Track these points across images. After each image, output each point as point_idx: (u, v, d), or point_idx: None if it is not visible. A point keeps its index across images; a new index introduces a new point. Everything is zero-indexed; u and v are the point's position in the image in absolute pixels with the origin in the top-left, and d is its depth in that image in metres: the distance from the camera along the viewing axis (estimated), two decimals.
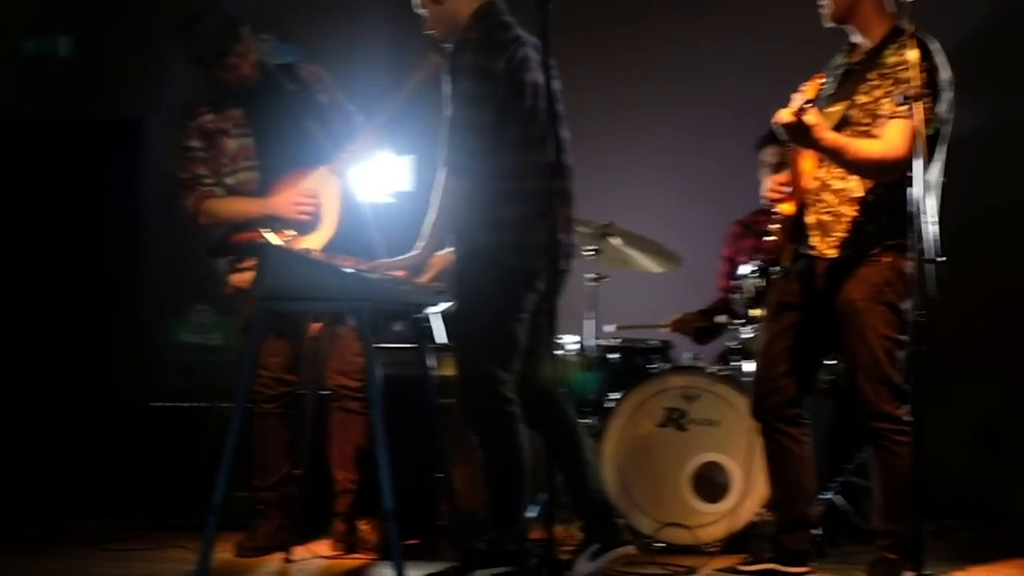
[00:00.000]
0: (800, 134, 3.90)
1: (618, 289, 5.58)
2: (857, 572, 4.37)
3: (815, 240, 4.19)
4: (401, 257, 4.25)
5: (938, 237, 3.70)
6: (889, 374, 4.08)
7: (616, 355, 5.47)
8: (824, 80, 3.99)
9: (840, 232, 4.14)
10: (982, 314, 5.88)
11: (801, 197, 4.22)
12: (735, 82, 6.21)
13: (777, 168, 5.72)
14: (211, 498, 3.96)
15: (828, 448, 4.94)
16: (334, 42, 6.32)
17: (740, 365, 5.23)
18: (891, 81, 4.05)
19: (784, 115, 3.88)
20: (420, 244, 4.21)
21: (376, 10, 6.57)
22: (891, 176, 4.04)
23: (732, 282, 5.39)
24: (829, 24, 4.28)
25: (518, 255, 4.15)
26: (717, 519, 4.90)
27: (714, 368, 5.20)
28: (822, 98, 4.22)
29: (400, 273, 4.20)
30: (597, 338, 5.43)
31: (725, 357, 5.48)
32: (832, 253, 4.15)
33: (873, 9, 4.21)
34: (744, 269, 5.16)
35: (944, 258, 3.64)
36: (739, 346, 5.25)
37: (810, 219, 4.21)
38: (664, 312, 5.83)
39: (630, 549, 4.31)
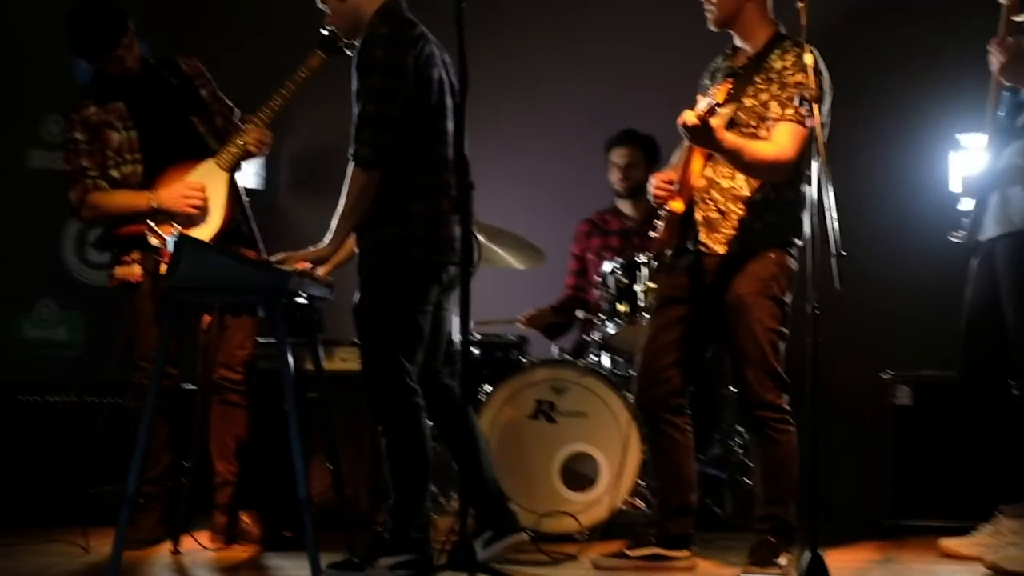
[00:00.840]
0: (703, 135, 4.09)
1: (483, 285, 5.69)
2: (729, 556, 4.62)
3: (703, 236, 4.39)
4: (308, 249, 4.28)
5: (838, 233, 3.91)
6: (773, 365, 4.32)
7: (476, 350, 5.58)
8: (732, 85, 4.19)
9: (728, 229, 4.35)
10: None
11: (689, 195, 4.42)
12: (590, 83, 6.41)
13: (626, 169, 5.96)
14: (124, 489, 3.93)
15: None
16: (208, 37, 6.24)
17: (602, 359, 5.43)
18: (778, 85, 4.28)
19: (690, 117, 4.07)
20: (327, 237, 4.25)
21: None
22: (780, 176, 4.29)
23: (595, 278, 5.56)
24: (714, 28, 4.49)
25: (426, 248, 4.24)
26: (586, 508, 5.06)
27: (583, 361, 5.38)
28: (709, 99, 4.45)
29: (304, 265, 4.23)
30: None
31: (582, 351, 5.66)
32: (720, 249, 4.36)
33: (756, 15, 4.44)
34: (607, 267, 5.33)
35: (846, 253, 3.86)
36: (602, 341, 5.43)
37: (698, 216, 4.40)
38: (525, 308, 5.98)
39: (523, 536, 4.45)
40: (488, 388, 5.23)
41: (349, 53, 4.38)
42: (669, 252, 4.50)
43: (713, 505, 5.39)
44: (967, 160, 5.55)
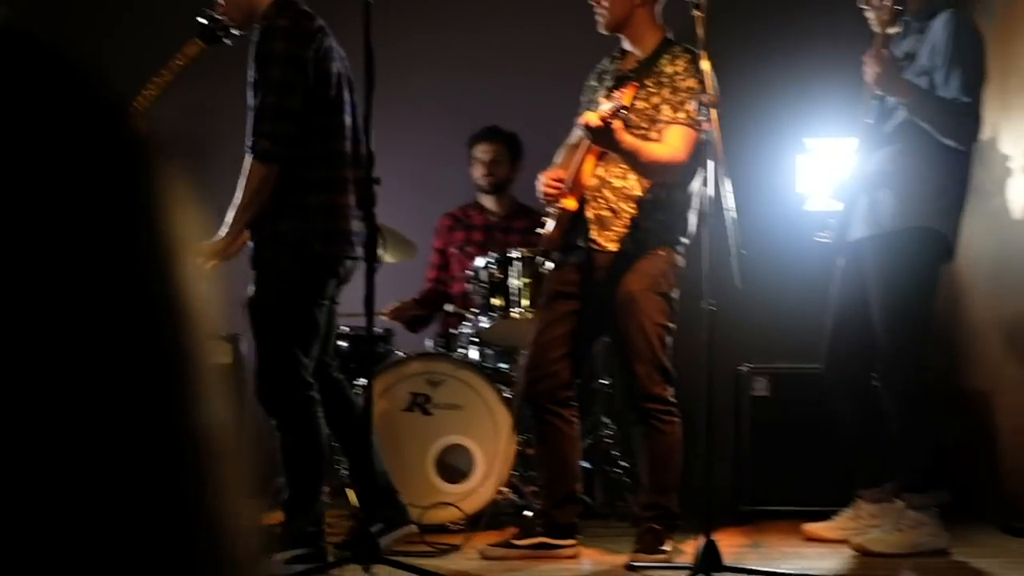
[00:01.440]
0: (604, 136, 4.20)
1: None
2: (606, 544, 4.75)
3: (595, 234, 4.50)
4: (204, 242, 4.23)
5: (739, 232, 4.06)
6: (661, 359, 4.46)
7: (344, 343, 5.58)
8: (638, 90, 4.30)
9: (619, 228, 4.48)
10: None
11: (581, 193, 4.52)
12: (453, 77, 6.45)
13: (490, 165, 6.03)
14: None
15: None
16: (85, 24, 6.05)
17: (470, 352, 5.50)
18: (669, 89, 4.42)
19: (593, 118, 4.17)
20: (222, 230, 4.21)
21: None
22: (672, 177, 4.43)
23: (466, 272, 5.61)
24: (604, 32, 4.60)
25: (324, 242, 4.24)
26: (461, 499, 5.12)
27: (459, 355, 5.43)
28: (594, 101, 4.57)
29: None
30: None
31: (448, 344, 5.71)
32: (612, 247, 4.48)
33: (646, 20, 4.57)
34: (480, 261, 5.39)
35: (745, 251, 4.02)
36: (474, 334, 5.49)
37: (590, 214, 4.52)
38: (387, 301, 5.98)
39: (413, 528, 4.49)
40: (363, 381, 5.23)
41: (228, 43, 4.34)
42: (556, 248, 4.60)
43: (583, 494, 5.50)
44: (816, 163, 5.80)
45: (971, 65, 4.59)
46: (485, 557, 4.53)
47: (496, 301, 5.32)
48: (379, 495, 4.41)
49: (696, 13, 4.21)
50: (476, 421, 5.17)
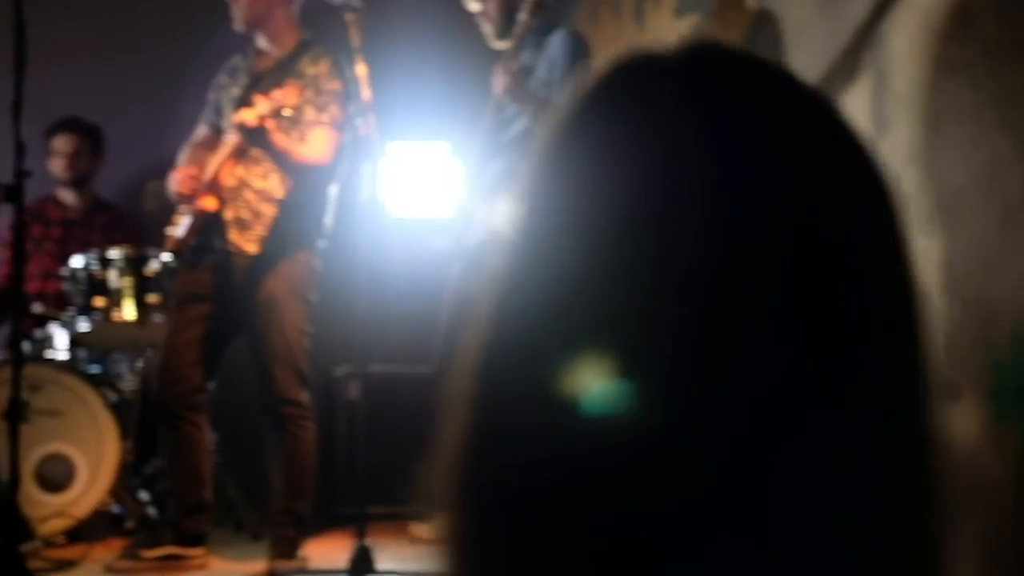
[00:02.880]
0: (258, 135, 4.13)
1: None
2: (225, 551, 4.67)
3: (234, 236, 4.41)
4: None
5: None
6: (300, 363, 4.45)
7: None
8: (301, 91, 4.24)
9: (260, 230, 4.41)
10: None
11: (219, 193, 4.41)
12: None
13: (71, 157, 5.74)
14: None
15: (136, 450, 5.12)
16: None
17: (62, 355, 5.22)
18: (313, 91, 4.40)
19: (250, 116, 4.09)
20: None
21: None
22: (315, 180, 4.42)
23: (61, 271, 5.29)
24: (240, 29, 4.52)
25: None
26: (63, 509, 4.86)
27: (60, 359, 5.13)
28: (234, 99, 4.48)
29: None
30: None
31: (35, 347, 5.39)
32: (252, 249, 4.41)
33: (285, 20, 4.53)
34: (78, 260, 5.13)
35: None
36: (72, 337, 5.21)
37: (228, 215, 4.42)
38: None
39: (37, 544, 4.23)
40: None
41: None
42: (183, 249, 4.48)
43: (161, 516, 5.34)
44: (399, 168, 5.94)
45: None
46: (111, 571, 4.33)
47: (98, 302, 5.09)
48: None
49: (349, 16, 4.22)
50: (78, 427, 4.92)
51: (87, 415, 4.91)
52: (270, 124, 4.13)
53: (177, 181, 4.44)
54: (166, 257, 4.80)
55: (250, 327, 4.44)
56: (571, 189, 0.65)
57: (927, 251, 3.95)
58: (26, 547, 4.14)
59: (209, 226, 4.42)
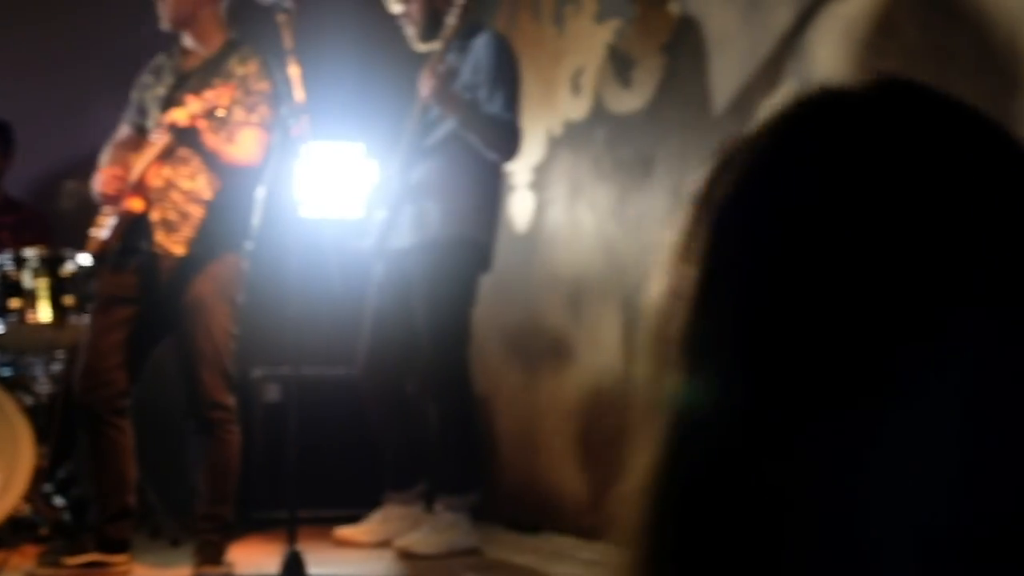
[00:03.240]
0: (189, 135, 4.09)
1: None
2: (146, 557, 4.61)
3: (160, 238, 4.35)
4: None
5: None
6: (227, 366, 4.40)
7: None
8: (235, 91, 4.20)
9: (188, 231, 4.36)
10: None
11: (145, 194, 4.35)
12: None
13: None
14: None
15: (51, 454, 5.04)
16: None
17: None
18: (242, 91, 4.35)
19: (182, 116, 4.05)
20: None
21: None
22: (244, 180, 4.39)
23: None
24: (167, 28, 4.47)
25: None
26: None
27: None
28: (160, 99, 4.44)
29: None
30: None
31: None
32: (179, 251, 4.35)
33: (212, 19, 4.49)
34: None
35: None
36: None
37: (155, 217, 4.36)
38: None
39: None
40: None
41: None
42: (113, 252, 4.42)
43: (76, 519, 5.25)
44: (312, 168, 5.89)
45: (512, 84, 4.89)
46: None
47: (14, 304, 4.99)
48: None
49: (281, 17, 4.19)
50: None
51: (1, 419, 4.81)
52: (202, 124, 4.09)
53: (102, 182, 4.38)
54: (85, 259, 4.71)
55: (177, 330, 4.39)
56: (766, 236, 0.66)
57: None
58: None
59: (135, 227, 4.36)
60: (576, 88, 5.45)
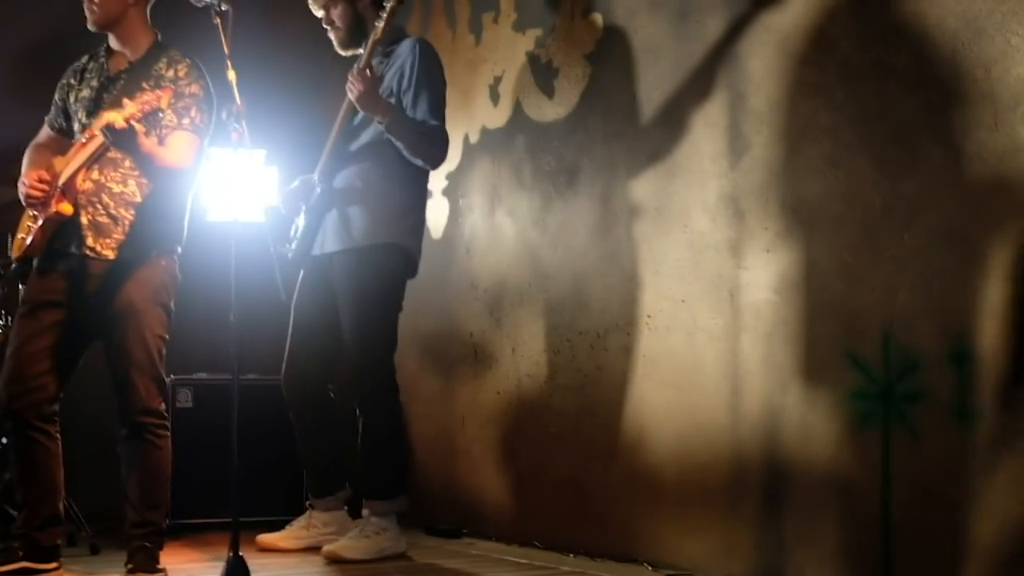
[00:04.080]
0: (126, 138, 4.03)
1: None
2: (76, 565, 4.53)
3: (91, 241, 4.27)
4: None
5: None
6: (159, 372, 4.34)
7: None
8: (172, 93, 4.14)
9: (119, 235, 4.28)
10: None
11: (74, 197, 4.27)
12: None
13: None
14: None
15: None
16: None
17: None
18: (171, 93, 4.28)
19: (118, 118, 3.98)
20: None
21: None
22: (176, 184, 4.34)
23: None
24: (93, 29, 4.41)
25: None
26: None
27: None
28: (85, 100, 4.37)
29: None
30: None
31: None
32: (110, 254, 4.27)
33: (139, 21, 4.43)
34: None
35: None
36: None
37: (84, 220, 4.27)
38: None
39: None
40: None
41: None
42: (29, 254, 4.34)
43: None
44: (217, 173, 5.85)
45: (436, 90, 4.91)
46: None
47: None
48: None
49: (218, 20, 4.16)
50: None
51: None
52: (138, 127, 4.03)
53: (27, 185, 4.28)
54: None
55: (107, 335, 4.30)
56: None
57: (787, 263, 4.16)
58: None
59: (62, 231, 4.27)
60: (495, 96, 5.49)
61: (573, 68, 5.10)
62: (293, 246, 5.07)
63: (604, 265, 4.91)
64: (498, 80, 5.49)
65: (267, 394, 5.53)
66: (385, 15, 4.72)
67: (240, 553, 3.97)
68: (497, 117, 5.46)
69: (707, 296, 4.50)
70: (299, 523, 5.12)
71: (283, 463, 5.56)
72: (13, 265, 4.46)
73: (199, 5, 4.24)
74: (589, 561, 4.76)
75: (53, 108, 4.55)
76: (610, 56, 4.95)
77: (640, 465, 4.72)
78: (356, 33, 5.04)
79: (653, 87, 4.76)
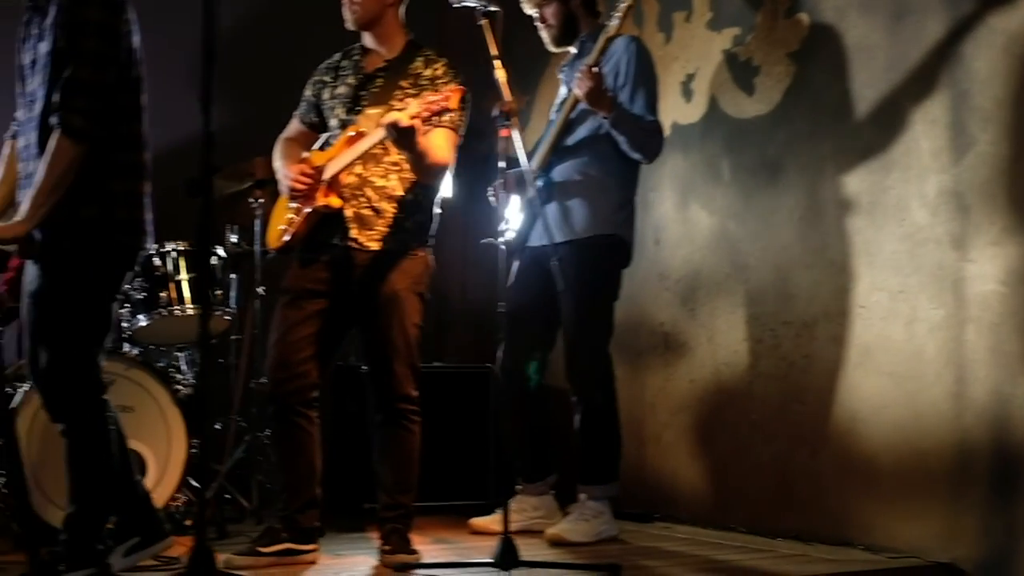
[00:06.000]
0: (408, 137, 4.18)
1: None
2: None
3: (355, 232, 4.43)
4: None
5: None
6: (416, 359, 4.50)
7: None
8: (463, 94, 4.29)
9: (382, 227, 4.44)
10: None
11: (338, 190, 4.42)
12: None
13: None
14: None
15: None
16: None
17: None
18: (431, 92, 4.42)
19: (404, 117, 4.13)
20: (21, 211, 3.70)
21: None
22: (440, 179, 4.49)
23: None
24: (352, 28, 4.56)
25: (127, 231, 3.86)
26: None
27: (132, 353, 5.03)
28: (342, 97, 4.52)
29: None
30: None
31: None
32: (374, 246, 4.43)
33: (395, 21, 4.58)
34: None
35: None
36: (129, 333, 5.12)
37: (348, 212, 4.43)
38: None
39: (171, 542, 4.18)
40: (24, 386, 4.72)
41: None
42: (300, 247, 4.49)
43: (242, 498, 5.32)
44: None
45: (652, 87, 5.07)
46: (229, 567, 4.29)
47: (163, 295, 5.03)
48: (137, 505, 4.07)
49: (484, 21, 4.32)
50: (148, 424, 4.85)
51: (157, 411, 4.84)
52: (419, 126, 4.17)
53: (291, 178, 4.43)
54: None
55: (367, 323, 4.46)
56: None
57: (1016, 257, 4.31)
58: (159, 547, 4.09)
59: (325, 222, 4.42)
60: (687, 92, 5.64)
61: (775, 66, 5.25)
62: (506, 237, 5.22)
63: (811, 257, 5.06)
64: (691, 77, 5.64)
65: (463, 381, 5.72)
66: (620, 14, 4.86)
67: (511, 537, 4.10)
68: (690, 113, 5.61)
69: (927, 287, 4.65)
70: (510, 507, 5.26)
71: (471, 449, 5.71)
72: (269, 255, 4.61)
73: (456, 6, 4.40)
74: (801, 544, 4.89)
75: (304, 104, 4.70)
76: (817, 54, 5.10)
77: (853, 451, 4.87)
78: (568, 31, 5.20)
79: (866, 85, 4.91)
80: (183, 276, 5.02)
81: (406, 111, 4.14)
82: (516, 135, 4.25)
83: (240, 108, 5.57)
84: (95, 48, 3.71)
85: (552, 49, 5.28)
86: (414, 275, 4.47)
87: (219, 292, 5.12)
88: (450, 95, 4.14)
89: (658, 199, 5.77)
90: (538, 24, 5.22)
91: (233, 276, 5.37)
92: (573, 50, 5.26)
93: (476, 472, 5.80)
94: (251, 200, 5.45)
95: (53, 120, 3.68)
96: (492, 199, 5.34)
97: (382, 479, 4.54)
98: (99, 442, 3.84)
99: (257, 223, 5.40)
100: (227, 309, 5.22)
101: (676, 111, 5.70)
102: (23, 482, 3.98)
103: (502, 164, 4.30)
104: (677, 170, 5.65)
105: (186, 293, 5.04)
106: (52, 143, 3.67)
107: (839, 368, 4.94)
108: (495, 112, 4.28)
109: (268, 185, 5.22)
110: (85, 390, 3.81)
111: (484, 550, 4.74)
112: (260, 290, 5.44)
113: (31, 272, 3.83)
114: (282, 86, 4.96)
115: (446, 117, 4.40)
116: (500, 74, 4.24)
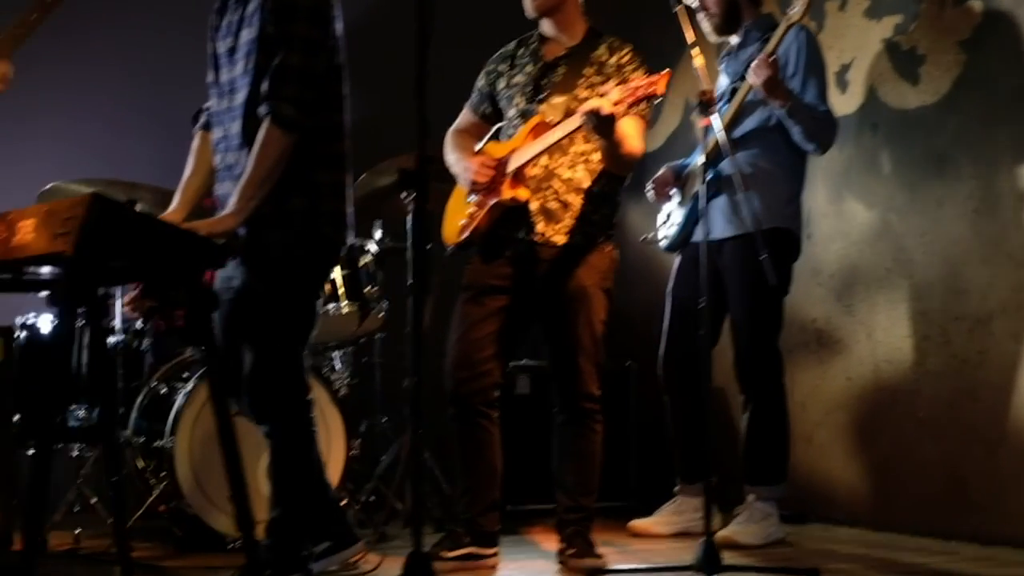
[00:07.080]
0: (608, 125, 4.02)
1: None
2: None
3: (541, 227, 4.28)
4: (211, 219, 3.55)
5: None
6: (602, 357, 4.36)
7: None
8: (669, 77, 4.13)
9: (569, 220, 4.29)
10: None
11: (523, 182, 4.27)
12: None
13: None
14: None
15: None
16: None
17: None
18: (617, 80, 4.27)
19: (606, 105, 3.97)
20: (230, 205, 3.56)
21: None
22: (630, 170, 4.34)
23: None
24: (532, 15, 4.42)
25: (333, 224, 3.72)
26: None
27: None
28: (521, 85, 4.38)
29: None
30: None
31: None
32: (560, 240, 4.29)
33: (576, 9, 4.43)
34: None
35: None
36: None
37: (534, 206, 4.29)
38: None
39: (361, 548, 4.04)
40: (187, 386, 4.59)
41: None
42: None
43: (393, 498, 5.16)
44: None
45: (822, 76, 4.92)
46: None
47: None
48: (327, 510, 3.93)
49: (680, 8, 4.18)
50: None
51: (316, 411, 4.68)
52: (619, 113, 4.01)
53: (473, 170, 4.28)
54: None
55: (551, 320, 4.31)
56: None
57: None
58: (350, 552, 3.96)
59: (508, 216, 4.27)
60: (842, 83, 5.48)
61: (944, 55, 5.09)
62: (666, 233, 5.09)
63: (987, 250, 4.91)
64: (846, 67, 5.48)
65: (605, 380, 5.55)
66: (803, 2, 4.71)
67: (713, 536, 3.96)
68: (846, 104, 5.44)
69: None
70: (668, 508, 5.13)
71: (611, 450, 5.54)
72: (448, 251, 4.46)
73: None
74: (981, 548, 4.74)
75: (476, 94, 4.55)
76: (991, 42, 4.94)
77: None
78: (731, 19, 5.04)
79: None
80: (336, 273, 4.85)
81: (607, 98, 3.98)
82: (717, 123, 4.10)
83: (379, 102, 5.40)
84: (305, 34, 3.57)
85: (712, 39, 5.13)
86: (601, 270, 4.33)
87: (375, 288, 4.96)
88: (657, 80, 3.97)
89: (808, 192, 5.60)
90: (700, 12, 5.06)
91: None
92: (734, 39, 5.09)
93: (617, 473, 5.62)
94: (403, 195, 5.28)
95: (262, 110, 3.54)
96: (650, 195, 5.20)
97: (562, 481, 4.40)
98: (305, 444, 3.71)
99: (408, 219, 5.23)
100: (382, 306, 5.06)
101: (830, 102, 5.53)
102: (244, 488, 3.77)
103: (700, 156, 4.15)
104: (830, 162, 5.48)
105: (340, 290, 4.88)
106: (262, 133, 3.52)
107: (1018, 364, 4.78)
108: (693, 101, 4.13)
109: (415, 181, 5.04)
110: (293, 391, 3.67)
111: (658, 553, 4.63)
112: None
113: (231, 270, 3.68)
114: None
115: (642, 105, 4.24)
116: (699, 61, 4.08)
